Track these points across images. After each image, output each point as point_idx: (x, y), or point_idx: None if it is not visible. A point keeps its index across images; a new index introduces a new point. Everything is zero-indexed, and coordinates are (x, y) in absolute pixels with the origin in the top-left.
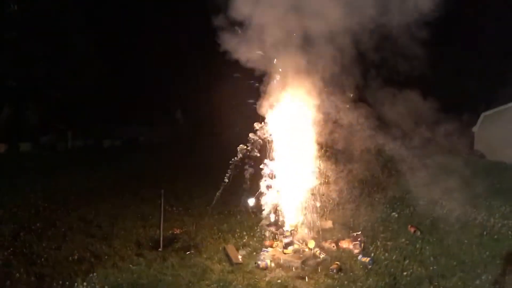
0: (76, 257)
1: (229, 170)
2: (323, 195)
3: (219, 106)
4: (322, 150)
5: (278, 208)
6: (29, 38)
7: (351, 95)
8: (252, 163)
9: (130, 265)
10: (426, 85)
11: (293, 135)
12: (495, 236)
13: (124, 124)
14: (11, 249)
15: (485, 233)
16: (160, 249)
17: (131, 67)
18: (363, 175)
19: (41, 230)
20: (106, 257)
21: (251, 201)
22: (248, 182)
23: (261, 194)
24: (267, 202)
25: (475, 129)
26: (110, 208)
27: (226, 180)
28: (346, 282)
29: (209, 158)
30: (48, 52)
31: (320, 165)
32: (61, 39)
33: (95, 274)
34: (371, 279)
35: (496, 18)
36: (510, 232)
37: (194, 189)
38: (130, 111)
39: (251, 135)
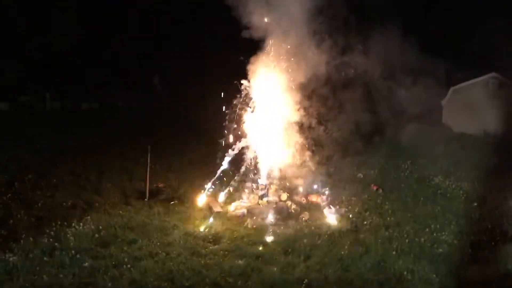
0: (70, 203)
1: (226, 121)
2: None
3: (196, 74)
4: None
5: (255, 164)
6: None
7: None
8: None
9: (120, 212)
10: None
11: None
12: (448, 195)
13: (102, 88)
14: (9, 195)
15: (439, 192)
16: (146, 199)
17: (110, 32)
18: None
19: (33, 181)
20: (97, 204)
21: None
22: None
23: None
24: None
25: (443, 102)
26: (96, 164)
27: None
28: (313, 228)
29: (187, 122)
30: (29, 12)
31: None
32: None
33: (89, 217)
34: (334, 226)
35: None
36: (461, 192)
37: (174, 149)
38: (108, 75)
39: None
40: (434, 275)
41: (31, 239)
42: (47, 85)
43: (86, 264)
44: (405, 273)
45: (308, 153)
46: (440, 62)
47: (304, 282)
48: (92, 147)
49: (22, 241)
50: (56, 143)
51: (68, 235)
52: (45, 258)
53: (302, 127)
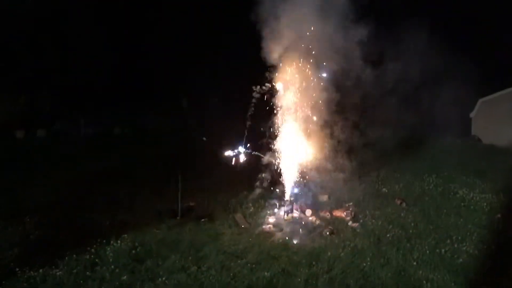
0: (107, 223)
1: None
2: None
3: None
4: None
5: (280, 181)
6: (42, 30)
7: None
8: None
9: (154, 229)
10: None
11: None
12: (472, 207)
13: (133, 112)
14: (52, 216)
15: (463, 204)
16: (178, 218)
17: (139, 57)
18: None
19: (73, 203)
20: (132, 223)
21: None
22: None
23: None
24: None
25: (472, 114)
26: (129, 185)
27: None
28: (336, 241)
29: (214, 144)
30: (61, 43)
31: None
32: (73, 31)
33: (125, 235)
34: (358, 239)
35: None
36: (485, 204)
37: (203, 170)
38: (139, 99)
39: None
40: (453, 284)
41: (74, 256)
42: (81, 111)
43: (125, 277)
44: (424, 282)
45: (334, 168)
46: (469, 74)
47: None
48: (125, 169)
49: (66, 258)
50: (92, 167)
51: (107, 252)
52: (87, 273)
53: (329, 140)
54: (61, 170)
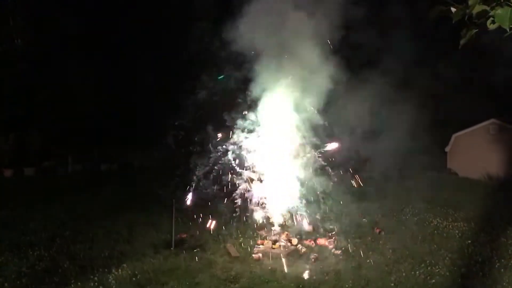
0: (107, 254)
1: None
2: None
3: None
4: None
5: (267, 213)
6: (31, 72)
7: None
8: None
9: (151, 259)
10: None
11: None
12: (444, 234)
13: (119, 149)
14: (54, 249)
15: (437, 232)
16: (172, 248)
17: (126, 95)
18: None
19: (72, 236)
20: (130, 254)
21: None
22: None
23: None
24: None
25: (447, 149)
26: (124, 219)
27: None
28: (321, 266)
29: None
30: (49, 84)
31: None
32: (61, 72)
33: (125, 265)
34: (340, 265)
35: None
36: (456, 231)
37: (194, 203)
38: (125, 136)
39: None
40: None
41: (79, 283)
42: (69, 149)
43: None
44: None
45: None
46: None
47: None
48: (118, 204)
49: (72, 285)
50: (84, 203)
51: (110, 280)
52: None
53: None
54: (55, 206)
